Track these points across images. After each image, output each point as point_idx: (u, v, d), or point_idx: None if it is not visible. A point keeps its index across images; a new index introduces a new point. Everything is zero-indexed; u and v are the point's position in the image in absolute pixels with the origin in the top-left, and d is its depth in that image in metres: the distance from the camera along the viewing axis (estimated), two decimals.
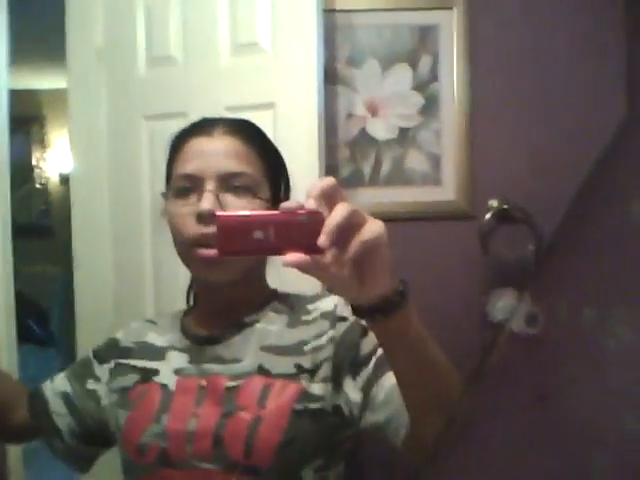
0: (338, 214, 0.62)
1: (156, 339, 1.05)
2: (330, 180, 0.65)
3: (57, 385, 1.08)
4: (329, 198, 0.64)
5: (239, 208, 0.91)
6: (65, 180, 5.05)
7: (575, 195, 0.61)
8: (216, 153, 0.94)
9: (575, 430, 0.48)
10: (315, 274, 0.65)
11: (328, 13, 1.69)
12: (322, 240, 0.61)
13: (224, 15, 1.63)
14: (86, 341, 1.84)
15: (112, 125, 1.80)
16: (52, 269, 4.61)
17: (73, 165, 1.93)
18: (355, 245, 0.62)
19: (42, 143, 4.99)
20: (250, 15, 1.61)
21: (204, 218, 0.90)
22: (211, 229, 0.88)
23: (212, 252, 0.85)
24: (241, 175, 0.93)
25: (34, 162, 4.93)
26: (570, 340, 0.52)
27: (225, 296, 0.99)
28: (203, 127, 0.98)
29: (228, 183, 0.93)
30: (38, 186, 4.97)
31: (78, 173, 1.92)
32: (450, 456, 0.53)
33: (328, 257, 0.62)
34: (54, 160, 5.05)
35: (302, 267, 0.63)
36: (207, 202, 0.90)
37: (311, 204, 0.63)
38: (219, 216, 0.64)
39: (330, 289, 0.70)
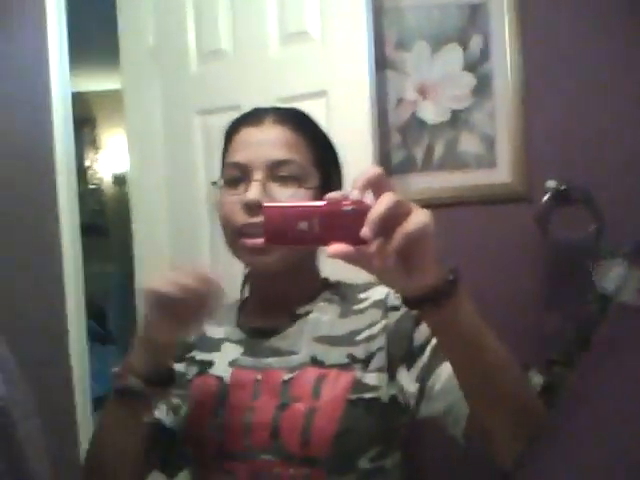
0: (382, 205, 0.61)
1: (213, 331, 1.05)
2: (375, 170, 0.64)
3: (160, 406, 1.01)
4: (376, 188, 0.63)
5: (285, 198, 0.91)
6: (118, 180, 5.17)
7: None
8: (264, 142, 0.94)
9: None
10: (360, 265, 0.64)
11: None
12: (365, 231, 0.60)
13: (272, 5, 1.64)
14: None
15: (167, 122, 1.84)
16: (108, 268, 4.73)
17: (130, 165, 1.97)
18: (399, 236, 0.61)
19: (94, 145, 5.12)
20: (298, 4, 1.61)
21: (251, 208, 0.91)
22: (258, 219, 0.88)
23: (258, 241, 0.85)
24: (288, 163, 0.93)
25: (87, 164, 5.06)
26: None
27: (276, 286, 0.99)
28: (253, 117, 0.98)
29: (275, 172, 0.93)
30: (92, 187, 5.10)
31: (135, 172, 1.96)
32: (557, 431, 0.52)
33: (372, 248, 0.61)
34: (106, 161, 5.17)
35: (346, 258, 0.62)
36: (254, 192, 0.91)
37: (355, 195, 0.62)
38: (265, 207, 0.65)
39: (378, 280, 0.69)
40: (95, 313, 4.39)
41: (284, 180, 0.93)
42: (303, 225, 0.63)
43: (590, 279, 1.57)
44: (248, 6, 1.67)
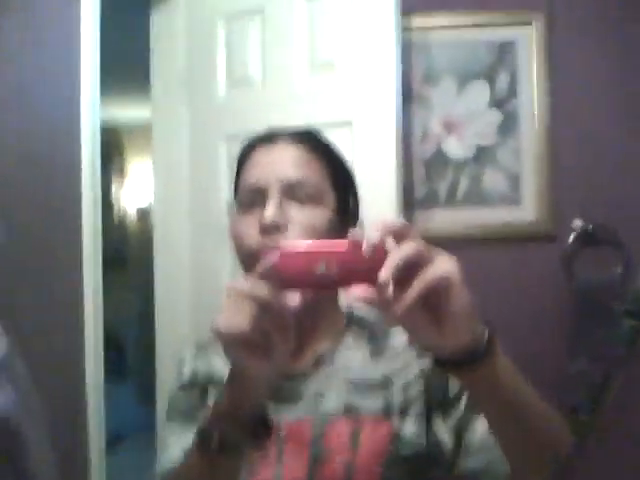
0: (403, 250, 0.58)
1: (222, 369, 0.95)
2: (402, 221, 0.62)
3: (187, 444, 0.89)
4: (398, 236, 0.60)
5: (304, 218, 0.88)
6: (142, 215, 5.22)
7: None
8: (279, 161, 0.90)
9: None
10: (383, 312, 0.60)
11: (405, 31, 1.69)
12: (382, 274, 0.57)
13: (302, 34, 1.66)
14: (165, 373, 1.85)
15: (194, 149, 1.84)
16: (128, 301, 4.73)
17: (155, 194, 1.97)
18: (418, 282, 0.58)
19: (121, 177, 5.18)
20: (327, 34, 1.63)
21: (267, 229, 0.85)
22: (275, 241, 0.84)
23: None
24: (304, 183, 0.88)
25: (113, 196, 5.11)
26: None
27: (297, 320, 0.92)
28: (267, 137, 0.95)
29: (292, 192, 0.88)
30: (116, 221, 5.14)
31: (160, 202, 1.95)
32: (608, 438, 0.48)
33: (389, 291, 0.57)
34: (131, 194, 5.23)
35: (368, 302, 0.59)
36: (270, 212, 0.85)
37: (376, 237, 0.59)
38: (281, 251, 0.61)
39: (409, 341, 0.64)
40: (115, 347, 4.34)
41: (301, 201, 0.89)
42: (321, 268, 0.60)
43: (616, 322, 1.53)
44: (278, 34, 1.69)
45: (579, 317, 1.70)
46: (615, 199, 1.70)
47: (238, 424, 0.71)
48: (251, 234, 0.88)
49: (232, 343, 0.65)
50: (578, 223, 1.69)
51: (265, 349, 0.65)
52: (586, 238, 1.69)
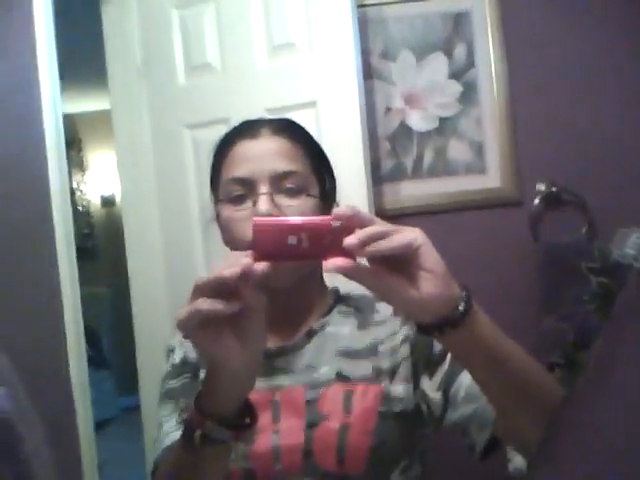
0: (374, 226, 0.62)
1: None
2: (370, 214, 0.65)
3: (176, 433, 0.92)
4: (368, 223, 0.63)
5: (294, 209, 0.90)
6: (106, 202, 5.15)
7: None
8: (265, 154, 0.93)
9: None
10: (361, 280, 0.63)
11: (360, 8, 1.70)
12: (349, 239, 0.60)
13: (258, 18, 1.64)
14: (146, 359, 1.87)
15: (156, 139, 1.83)
16: (100, 291, 4.69)
17: (120, 184, 1.97)
18: (384, 242, 0.61)
19: (81, 167, 5.10)
20: (284, 16, 1.62)
21: None
22: None
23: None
24: (293, 174, 0.92)
25: (74, 186, 5.03)
26: None
27: (288, 302, 0.95)
28: (248, 129, 0.96)
29: (280, 184, 0.91)
30: (80, 210, 5.07)
31: (126, 191, 1.95)
32: (587, 402, 0.51)
33: (356, 260, 0.61)
34: (93, 183, 5.16)
35: (346, 271, 0.61)
36: (264, 205, 0.88)
37: (345, 211, 0.62)
38: (256, 222, 0.64)
39: (393, 312, 0.65)
40: (88, 337, 4.34)
41: (289, 191, 0.91)
42: (291, 240, 0.63)
43: (585, 280, 1.58)
44: (234, 19, 1.67)
45: (548, 277, 1.75)
46: (577, 161, 1.74)
47: (220, 419, 0.71)
48: (246, 227, 0.89)
49: (197, 335, 0.65)
50: (541, 187, 1.73)
51: (236, 336, 0.66)
52: (551, 201, 1.73)
